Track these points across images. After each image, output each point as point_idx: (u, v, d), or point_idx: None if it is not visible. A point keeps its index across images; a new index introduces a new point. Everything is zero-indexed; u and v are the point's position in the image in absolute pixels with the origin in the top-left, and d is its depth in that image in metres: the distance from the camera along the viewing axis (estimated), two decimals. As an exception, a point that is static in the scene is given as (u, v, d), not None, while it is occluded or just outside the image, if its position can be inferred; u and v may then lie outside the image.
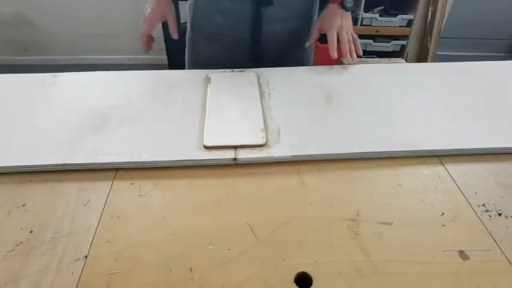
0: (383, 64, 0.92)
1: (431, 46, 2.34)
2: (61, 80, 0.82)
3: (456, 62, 0.89)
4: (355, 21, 2.19)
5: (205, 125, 0.67)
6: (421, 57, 2.45)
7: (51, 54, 2.64)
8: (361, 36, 2.25)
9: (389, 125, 0.68)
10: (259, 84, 0.80)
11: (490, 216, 0.54)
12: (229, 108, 0.72)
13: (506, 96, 0.77)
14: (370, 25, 2.20)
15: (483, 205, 0.55)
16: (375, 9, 2.18)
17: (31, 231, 0.51)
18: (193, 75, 0.84)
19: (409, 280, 0.46)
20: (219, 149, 0.63)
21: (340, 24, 0.89)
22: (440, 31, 2.32)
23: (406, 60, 2.38)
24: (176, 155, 0.62)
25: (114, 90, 0.79)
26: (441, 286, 0.45)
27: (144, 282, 0.45)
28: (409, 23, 2.22)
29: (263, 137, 0.64)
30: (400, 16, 2.18)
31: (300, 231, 0.51)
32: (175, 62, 2.21)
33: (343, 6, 0.89)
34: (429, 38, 2.34)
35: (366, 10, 2.15)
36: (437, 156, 0.64)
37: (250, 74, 0.83)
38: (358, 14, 2.14)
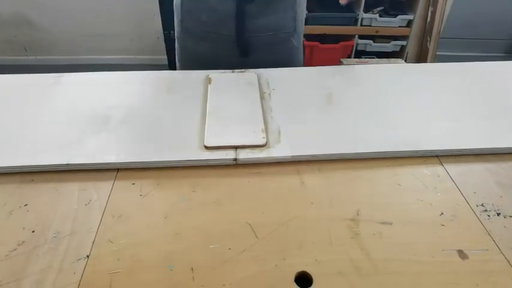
0: (382, 64, 0.92)
1: (431, 46, 2.35)
2: (64, 81, 0.82)
3: (456, 63, 0.89)
4: (354, 22, 2.19)
5: (206, 125, 0.67)
6: (421, 57, 2.45)
7: (51, 54, 2.64)
8: (361, 37, 2.26)
9: (389, 125, 0.69)
10: (260, 85, 0.80)
11: (488, 215, 0.54)
12: (229, 109, 0.72)
13: (506, 96, 0.78)
14: (370, 25, 2.21)
15: (482, 205, 0.56)
16: (374, 10, 2.18)
17: (33, 231, 0.51)
18: (194, 75, 0.84)
19: (409, 279, 0.46)
20: (220, 149, 0.63)
21: None
22: (440, 31, 2.33)
23: (405, 61, 2.39)
24: (177, 155, 0.62)
25: (116, 90, 0.79)
26: (440, 285, 0.45)
27: (146, 282, 0.45)
28: (409, 23, 2.23)
29: (263, 137, 0.65)
30: (399, 16, 2.19)
31: (300, 230, 0.52)
32: (175, 62, 2.21)
33: None
34: (429, 39, 2.34)
35: (366, 10, 2.16)
36: (436, 156, 0.64)
37: (251, 74, 0.84)
38: None
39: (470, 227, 0.52)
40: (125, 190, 0.58)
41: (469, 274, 0.46)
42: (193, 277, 0.46)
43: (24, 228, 0.52)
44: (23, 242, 0.50)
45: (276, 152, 0.63)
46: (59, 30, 2.54)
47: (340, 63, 0.86)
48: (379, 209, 0.55)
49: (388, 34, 2.26)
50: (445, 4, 2.24)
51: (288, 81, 0.82)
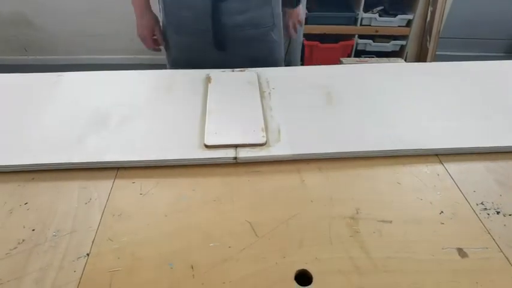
0: (382, 64, 0.92)
1: (431, 46, 2.35)
2: (65, 80, 0.82)
3: (455, 62, 0.89)
4: (354, 21, 2.19)
5: (206, 124, 0.67)
6: (421, 57, 2.45)
7: (51, 54, 2.64)
8: (360, 36, 2.26)
9: (388, 124, 0.69)
10: (259, 84, 0.80)
11: (488, 214, 0.54)
12: (229, 108, 0.72)
13: (505, 95, 0.78)
14: (370, 25, 2.21)
15: (482, 203, 0.56)
16: (374, 9, 2.18)
17: (33, 230, 0.51)
18: (194, 74, 0.84)
19: (408, 277, 0.46)
20: (220, 148, 0.63)
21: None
22: (439, 31, 2.32)
23: (405, 60, 2.39)
24: (177, 154, 0.62)
25: (117, 89, 0.79)
26: (440, 283, 0.45)
27: (146, 280, 0.45)
28: (409, 23, 2.22)
29: (263, 136, 0.65)
30: (399, 16, 2.18)
31: (300, 229, 0.52)
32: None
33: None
34: (428, 38, 2.34)
35: (366, 10, 2.16)
36: (436, 154, 0.64)
37: (250, 73, 0.84)
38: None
39: (470, 226, 0.53)
40: (125, 189, 0.58)
41: (469, 272, 0.46)
42: (193, 275, 0.46)
43: (24, 227, 0.52)
44: (24, 240, 0.50)
45: (276, 150, 0.63)
46: (59, 30, 2.53)
47: (340, 62, 0.86)
48: (378, 208, 0.55)
49: (387, 34, 2.26)
50: (445, 4, 2.24)
51: (287, 81, 0.82)
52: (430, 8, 2.28)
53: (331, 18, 2.17)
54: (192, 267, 0.47)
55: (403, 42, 2.30)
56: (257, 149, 0.63)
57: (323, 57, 2.24)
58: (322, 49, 2.21)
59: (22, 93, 0.78)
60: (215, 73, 0.84)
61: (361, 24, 2.20)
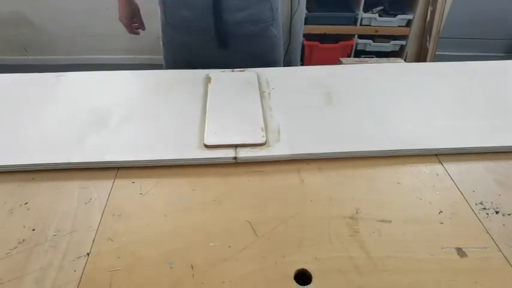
0: (382, 64, 0.92)
1: (431, 46, 2.35)
2: (65, 80, 0.82)
3: (455, 62, 0.89)
4: (354, 22, 2.19)
5: (206, 124, 0.68)
6: (420, 57, 2.46)
7: (51, 54, 2.64)
8: (360, 36, 2.26)
9: (388, 124, 0.69)
10: (259, 84, 0.81)
11: (487, 214, 0.54)
12: (229, 108, 0.72)
13: (504, 95, 0.78)
14: (370, 25, 2.21)
15: (481, 203, 0.56)
16: (374, 9, 2.18)
17: (33, 229, 0.51)
18: (194, 74, 0.84)
19: (408, 277, 0.46)
20: (220, 148, 0.63)
21: None
22: (439, 31, 2.33)
23: (405, 60, 2.39)
24: (177, 153, 0.62)
25: (116, 89, 0.79)
26: (439, 283, 0.45)
27: (146, 279, 0.46)
28: (408, 23, 2.22)
29: (263, 136, 0.65)
30: (399, 16, 2.19)
31: (300, 228, 0.52)
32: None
33: None
34: (428, 38, 2.35)
35: (365, 10, 2.16)
36: (435, 154, 0.64)
37: (250, 73, 0.84)
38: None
39: (469, 225, 0.53)
40: (125, 189, 0.58)
41: (468, 272, 0.47)
42: (193, 274, 0.46)
43: (24, 227, 0.52)
44: (24, 240, 0.50)
45: (276, 150, 0.63)
46: (59, 30, 2.54)
47: (339, 62, 0.86)
48: (378, 207, 0.55)
49: (387, 34, 2.26)
50: (445, 4, 2.24)
51: (287, 81, 0.82)
52: (430, 8, 2.28)
53: (331, 18, 2.18)
54: (192, 267, 0.47)
55: (403, 42, 2.30)
56: (257, 149, 0.63)
57: (323, 57, 2.24)
58: (322, 49, 2.22)
59: (22, 93, 0.78)
60: (215, 73, 0.84)
61: (361, 24, 2.20)
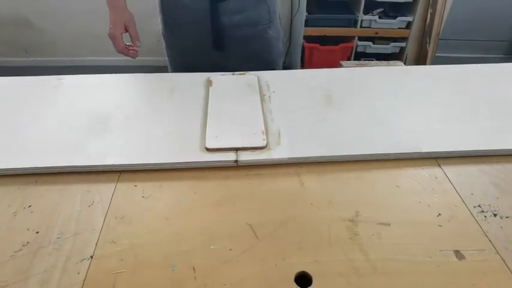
0: (381, 67, 0.93)
1: (431, 48, 2.36)
2: (66, 83, 0.83)
3: (454, 65, 0.90)
4: (354, 23, 2.20)
5: (207, 128, 0.68)
6: (420, 58, 2.46)
7: (52, 55, 2.65)
8: (360, 38, 2.27)
9: (387, 127, 0.70)
10: (260, 87, 0.81)
11: (485, 216, 0.55)
12: (230, 111, 0.73)
13: (504, 98, 0.79)
14: (370, 27, 2.22)
15: (479, 206, 0.57)
16: (374, 12, 2.19)
17: (37, 232, 0.52)
18: (195, 78, 0.85)
19: (406, 279, 0.47)
20: (221, 151, 0.64)
21: None
22: (439, 33, 2.33)
23: (405, 62, 2.40)
24: (178, 157, 0.63)
25: (118, 93, 0.80)
26: (437, 285, 0.46)
27: (149, 281, 0.46)
28: (408, 25, 2.23)
29: (264, 139, 0.66)
30: (399, 18, 2.19)
31: (300, 231, 0.53)
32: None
33: None
34: (428, 40, 2.35)
35: (366, 12, 2.16)
36: (434, 158, 0.65)
37: (251, 76, 0.85)
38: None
39: (467, 228, 0.53)
40: (128, 192, 0.59)
41: (466, 274, 0.47)
42: (195, 277, 0.47)
43: (28, 229, 0.53)
44: (28, 242, 0.51)
45: (276, 153, 0.64)
46: (60, 32, 2.54)
47: (339, 65, 0.87)
48: (377, 210, 0.56)
49: (387, 36, 2.27)
50: (444, 5, 2.25)
51: (287, 84, 0.83)
52: (430, 10, 2.29)
53: (331, 21, 2.18)
54: (194, 269, 0.47)
55: (403, 44, 2.31)
56: (257, 152, 0.64)
57: (323, 59, 2.25)
58: (322, 51, 2.22)
59: (24, 97, 0.79)
60: (216, 76, 0.85)
61: (361, 26, 2.21)
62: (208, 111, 0.73)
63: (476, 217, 0.55)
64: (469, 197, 0.58)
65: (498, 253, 0.50)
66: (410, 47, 2.40)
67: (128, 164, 0.62)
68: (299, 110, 0.75)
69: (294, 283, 0.46)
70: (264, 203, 0.57)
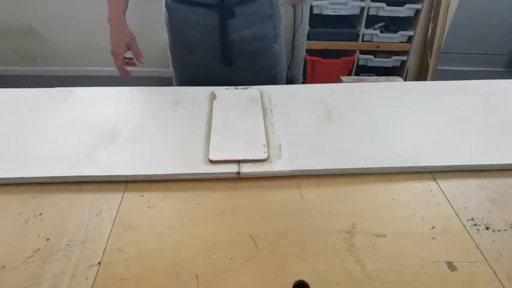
0: (381, 83, 0.96)
1: (432, 61, 2.39)
2: (74, 95, 0.86)
3: (451, 81, 0.92)
4: (356, 37, 2.24)
5: (211, 140, 0.71)
6: (422, 72, 2.49)
7: (60, 65, 2.69)
8: (362, 52, 2.30)
9: (385, 142, 0.72)
10: (262, 101, 0.84)
11: (478, 229, 0.57)
12: (233, 124, 0.76)
13: (500, 113, 0.81)
14: (371, 41, 2.25)
15: (472, 219, 0.59)
16: (375, 26, 2.23)
17: (48, 239, 0.55)
18: (199, 91, 0.88)
19: (400, 289, 0.49)
20: (223, 163, 0.66)
21: None
22: (440, 46, 2.37)
23: (406, 75, 2.43)
24: (183, 168, 0.65)
25: (125, 105, 0.83)
26: (430, 295, 0.48)
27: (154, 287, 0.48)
28: (410, 39, 2.27)
29: (265, 152, 0.68)
30: (400, 32, 2.23)
31: (299, 242, 0.55)
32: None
33: None
34: (429, 54, 2.39)
35: (367, 26, 2.20)
36: (430, 172, 0.67)
37: (253, 91, 0.88)
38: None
39: (460, 240, 0.55)
40: (134, 201, 0.61)
41: (458, 285, 0.49)
42: (198, 284, 0.49)
43: (39, 236, 0.55)
44: (39, 249, 0.53)
45: (277, 166, 0.66)
46: (67, 42, 2.59)
47: (340, 81, 0.90)
48: (374, 222, 0.58)
49: (389, 49, 2.31)
50: (445, 20, 2.29)
51: (289, 98, 0.86)
52: (431, 25, 2.32)
53: (333, 34, 2.22)
54: (197, 277, 0.50)
55: (404, 58, 2.34)
56: (259, 164, 0.66)
57: (325, 72, 2.28)
58: (324, 64, 2.26)
59: (34, 108, 0.82)
60: (220, 90, 0.87)
61: (362, 40, 2.24)
62: (212, 124, 0.75)
63: (469, 230, 0.57)
64: (462, 210, 0.60)
65: (489, 265, 0.52)
66: (412, 61, 2.43)
67: (134, 175, 0.65)
68: (300, 123, 0.77)
69: (293, 291, 0.48)
70: (265, 214, 0.59)
